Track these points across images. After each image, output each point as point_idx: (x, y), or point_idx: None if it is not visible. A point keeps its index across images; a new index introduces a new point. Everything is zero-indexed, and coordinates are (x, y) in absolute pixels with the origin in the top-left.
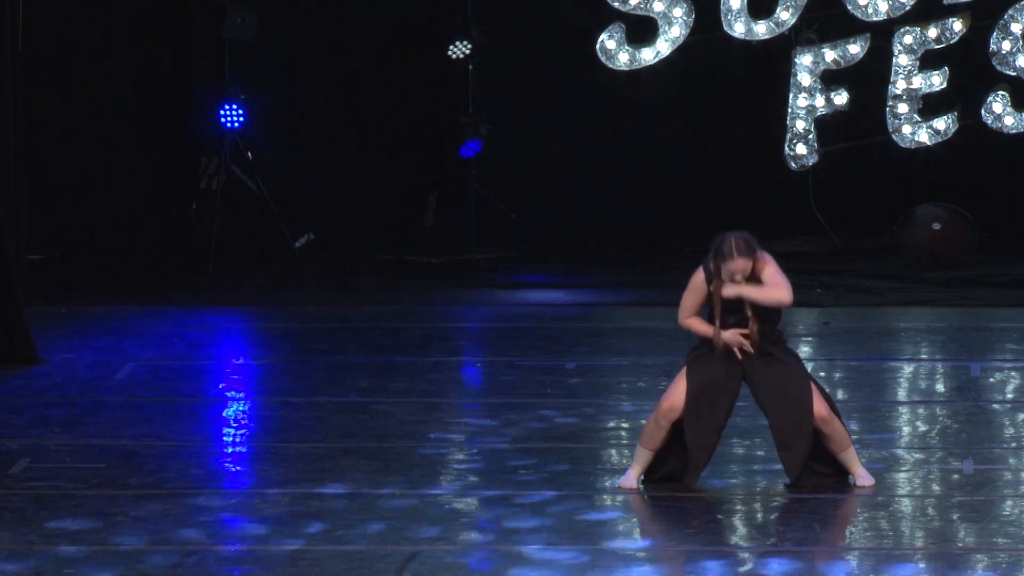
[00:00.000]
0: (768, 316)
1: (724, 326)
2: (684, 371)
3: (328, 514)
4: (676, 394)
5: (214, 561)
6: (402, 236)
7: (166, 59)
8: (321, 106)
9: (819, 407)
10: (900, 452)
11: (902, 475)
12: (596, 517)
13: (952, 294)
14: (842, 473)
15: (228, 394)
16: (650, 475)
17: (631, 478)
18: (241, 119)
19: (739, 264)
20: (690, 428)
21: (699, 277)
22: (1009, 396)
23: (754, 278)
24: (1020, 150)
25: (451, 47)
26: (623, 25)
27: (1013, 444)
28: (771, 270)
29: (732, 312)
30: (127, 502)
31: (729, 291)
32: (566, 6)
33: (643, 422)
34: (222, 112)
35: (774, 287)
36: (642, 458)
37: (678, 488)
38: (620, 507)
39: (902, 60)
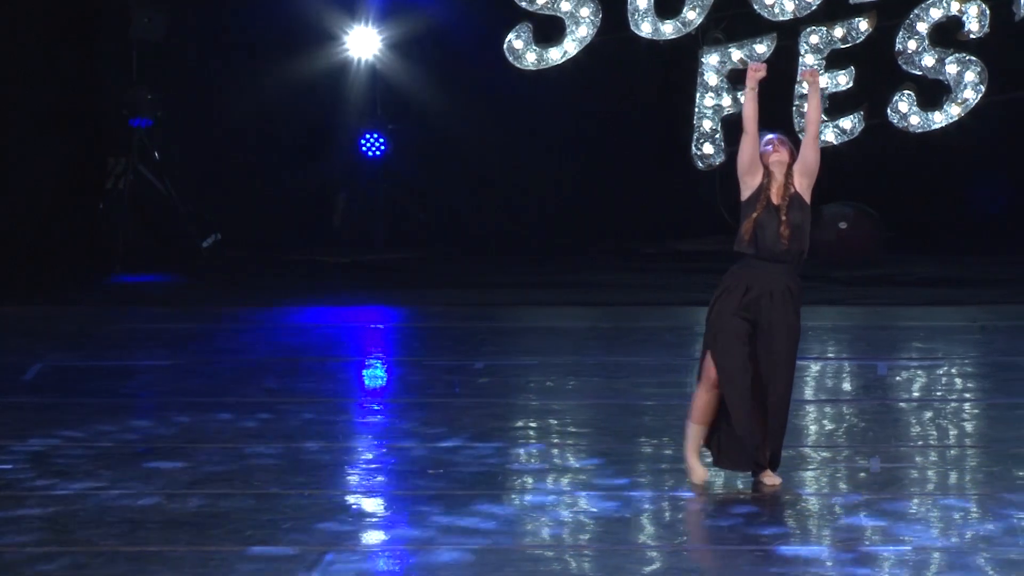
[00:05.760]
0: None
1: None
2: (706, 346)
3: (236, 515)
4: (710, 367)
5: (122, 561)
6: (311, 236)
7: (74, 59)
8: (229, 106)
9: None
10: (807, 450)
11: (809, 473)
12: (504, 514)
13: (859, 293)
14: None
15: (136, 395)
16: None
17: (695, 468)
18: (149, 119)
19: (780, 156)
20: (730, 400)
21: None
22: (915, 394)
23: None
24: (926, 149)
25: (357, 48)
26: (530, 25)
27: (919, 442)
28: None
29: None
30: (34, 503)
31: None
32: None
33: (551, 421)
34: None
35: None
36: (696, 433)
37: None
38: (528, 507)
39: (808, 59)
